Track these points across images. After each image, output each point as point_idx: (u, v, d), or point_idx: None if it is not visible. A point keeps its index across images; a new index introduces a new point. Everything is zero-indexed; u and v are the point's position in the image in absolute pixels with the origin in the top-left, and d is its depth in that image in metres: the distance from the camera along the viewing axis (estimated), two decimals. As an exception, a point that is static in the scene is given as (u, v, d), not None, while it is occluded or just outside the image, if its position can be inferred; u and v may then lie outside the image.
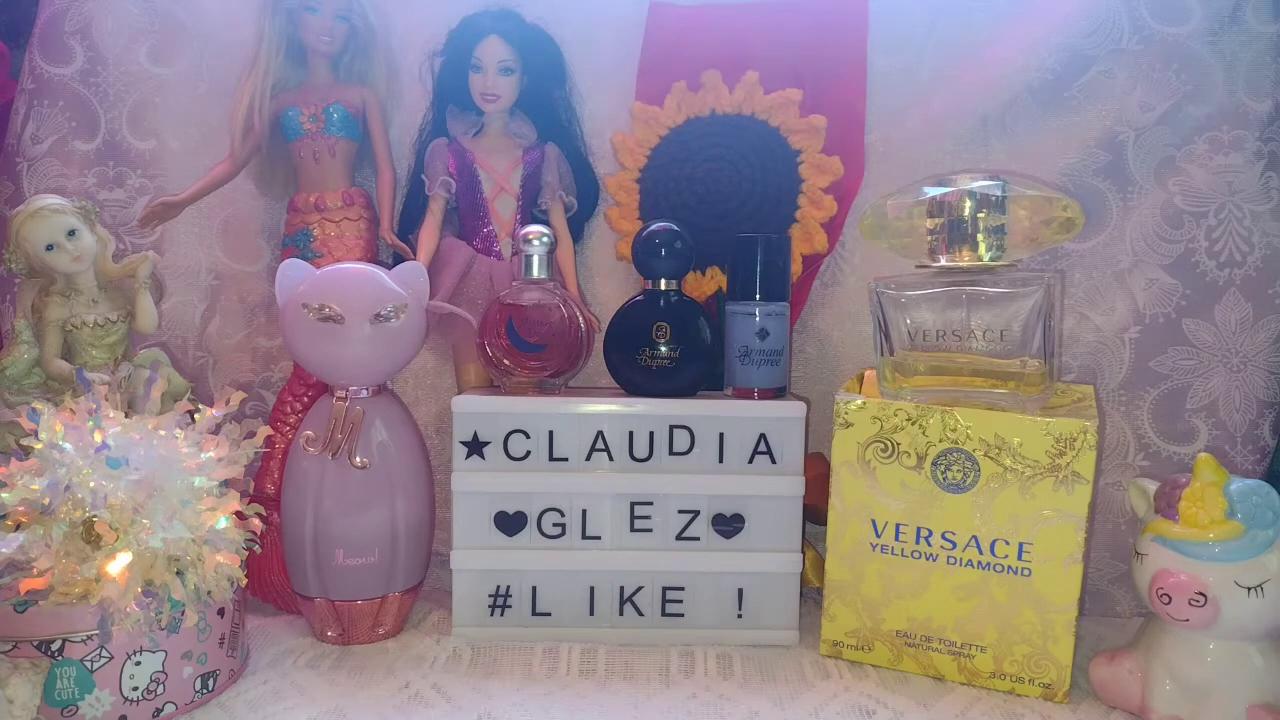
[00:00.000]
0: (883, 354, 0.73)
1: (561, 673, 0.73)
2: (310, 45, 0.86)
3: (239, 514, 0.68)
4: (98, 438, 0.64)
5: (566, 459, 0.78)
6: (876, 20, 0.88)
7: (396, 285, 0.76)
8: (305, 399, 0.87)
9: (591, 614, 0.78)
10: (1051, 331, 0.68)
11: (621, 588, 0.78)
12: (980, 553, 0.70)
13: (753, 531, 0.77)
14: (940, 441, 0.70)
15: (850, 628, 0.75)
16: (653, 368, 0.78)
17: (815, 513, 0.79)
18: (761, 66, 0.87)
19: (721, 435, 0.77)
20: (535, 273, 0.80)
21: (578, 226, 0.91)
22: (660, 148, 0.89)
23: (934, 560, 0.71)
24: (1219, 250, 0.84)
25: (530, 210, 0.89)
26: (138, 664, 0.64)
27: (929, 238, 0.72)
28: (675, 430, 0.77)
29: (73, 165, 0.92)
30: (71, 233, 0.75)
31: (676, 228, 0.78)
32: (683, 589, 0.78)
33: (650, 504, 0.77)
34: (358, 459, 0.75)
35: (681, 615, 0.78)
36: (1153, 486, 0.68)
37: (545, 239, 0.80)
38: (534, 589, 0.78)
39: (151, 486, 0.64)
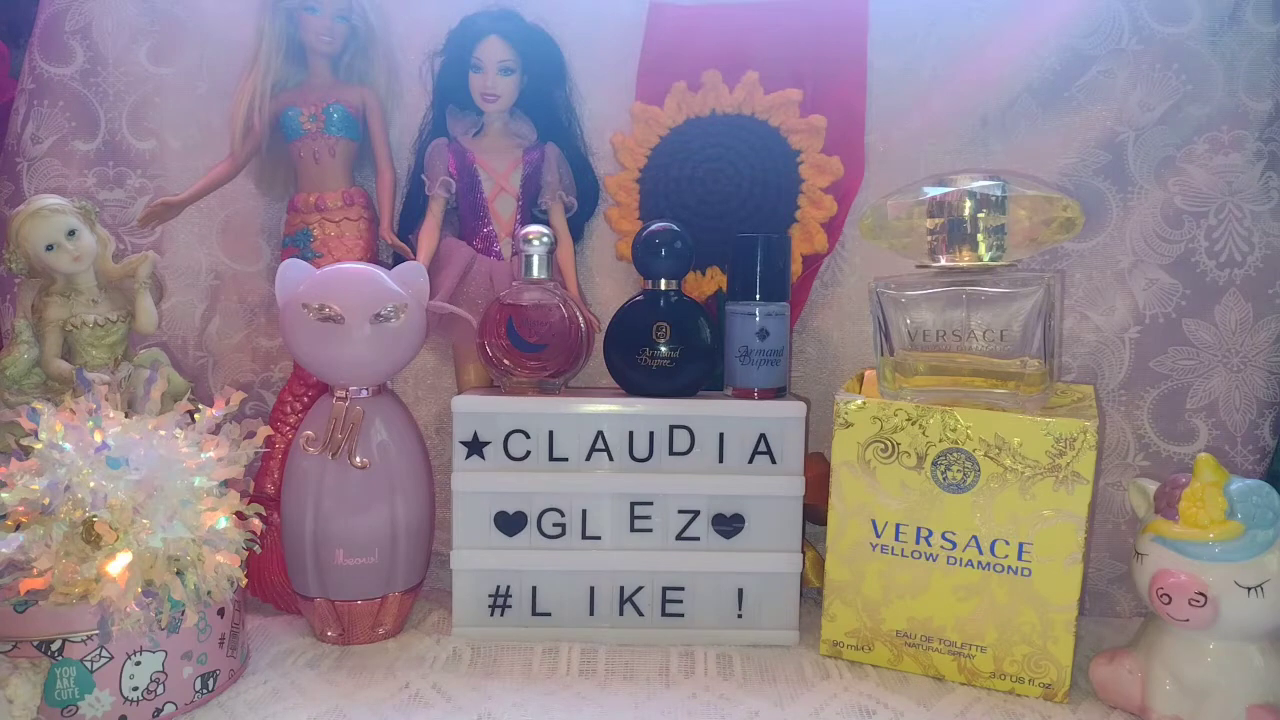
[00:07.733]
0: (883, 354, 0.73)
1: (561, 673, 0.73)
2: (310, 45, 0.86)
3: (239, 514, 0.68)
4: (98, 438, 0.64)
5: (566, 459, 0.78)
6: (876, 20, 0.88)
7: (396, 285, 0.76)
8: (305, 399, 0.87)
9: (591, 614, 0.78)
10: (1051, 331, 0.68)
11: (621, 588, 0.78)
12: (980, 553, 0.70)
13: (753, 531, 0.77)
14: (940, 441, 0.70)
15: (850, 628, 0.75)
16: (653, 368, 0.78)
17: (815, 513, 0.79)
18: (761, 66, 0.87)
19: (721, 435, 0.77)
20: (535, 273, 0.80)
21: (578, 226, 0.91)
22: (660, 148, 0.89)
23: (934, 560, 0.71)
24: (1219, 250, 0.84)
25: (530, 210, 0.89)
26: (138, 664, 0.64)
27: (929, 238, 0.72)
28: (675, 430, 0.77)
29: (73, 165, 0.92)
30: (71, 233, 0.75)
31: (676, 228, 0.78)
32: (683, 589, 0.78)
33: (650, 504, 0.77)
34: (358, 459, 0.75)
35: (681, 615, 0.78)
36: (1153, 486, 0.68)
37: (545, 239, 0.80)
38: (534, 589, 0.78)
39: (151, 486, 0.64)
